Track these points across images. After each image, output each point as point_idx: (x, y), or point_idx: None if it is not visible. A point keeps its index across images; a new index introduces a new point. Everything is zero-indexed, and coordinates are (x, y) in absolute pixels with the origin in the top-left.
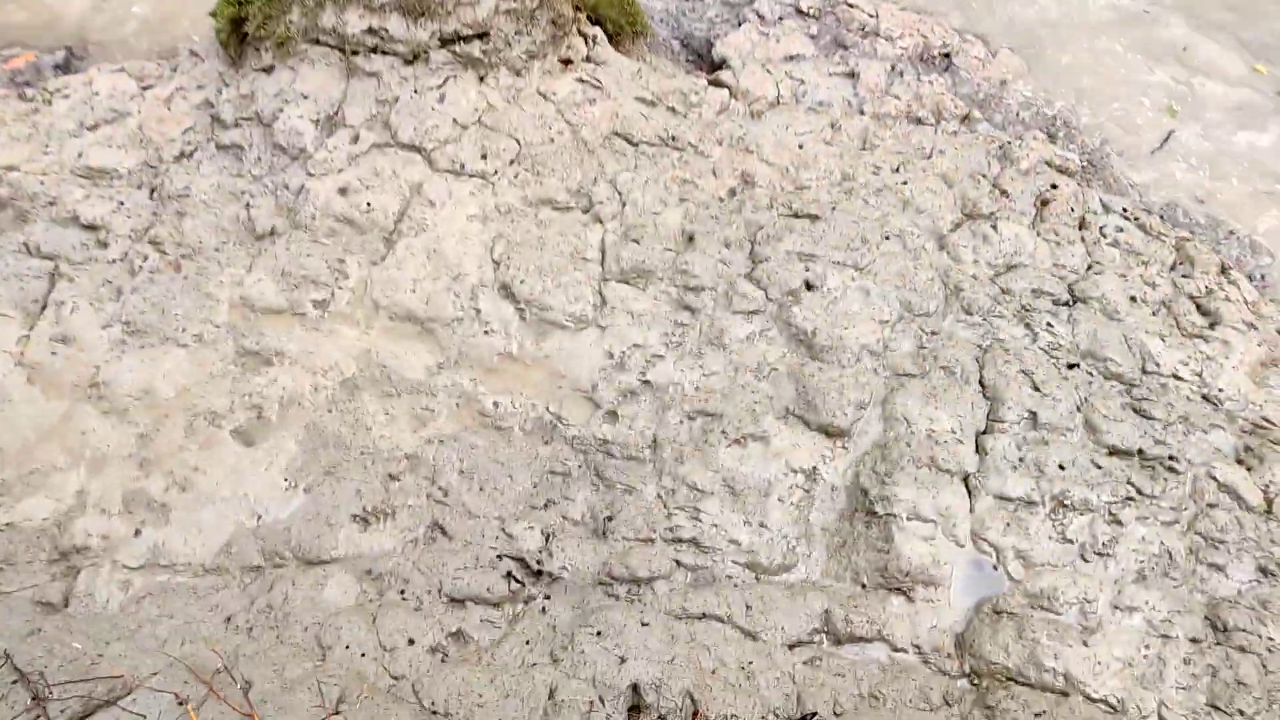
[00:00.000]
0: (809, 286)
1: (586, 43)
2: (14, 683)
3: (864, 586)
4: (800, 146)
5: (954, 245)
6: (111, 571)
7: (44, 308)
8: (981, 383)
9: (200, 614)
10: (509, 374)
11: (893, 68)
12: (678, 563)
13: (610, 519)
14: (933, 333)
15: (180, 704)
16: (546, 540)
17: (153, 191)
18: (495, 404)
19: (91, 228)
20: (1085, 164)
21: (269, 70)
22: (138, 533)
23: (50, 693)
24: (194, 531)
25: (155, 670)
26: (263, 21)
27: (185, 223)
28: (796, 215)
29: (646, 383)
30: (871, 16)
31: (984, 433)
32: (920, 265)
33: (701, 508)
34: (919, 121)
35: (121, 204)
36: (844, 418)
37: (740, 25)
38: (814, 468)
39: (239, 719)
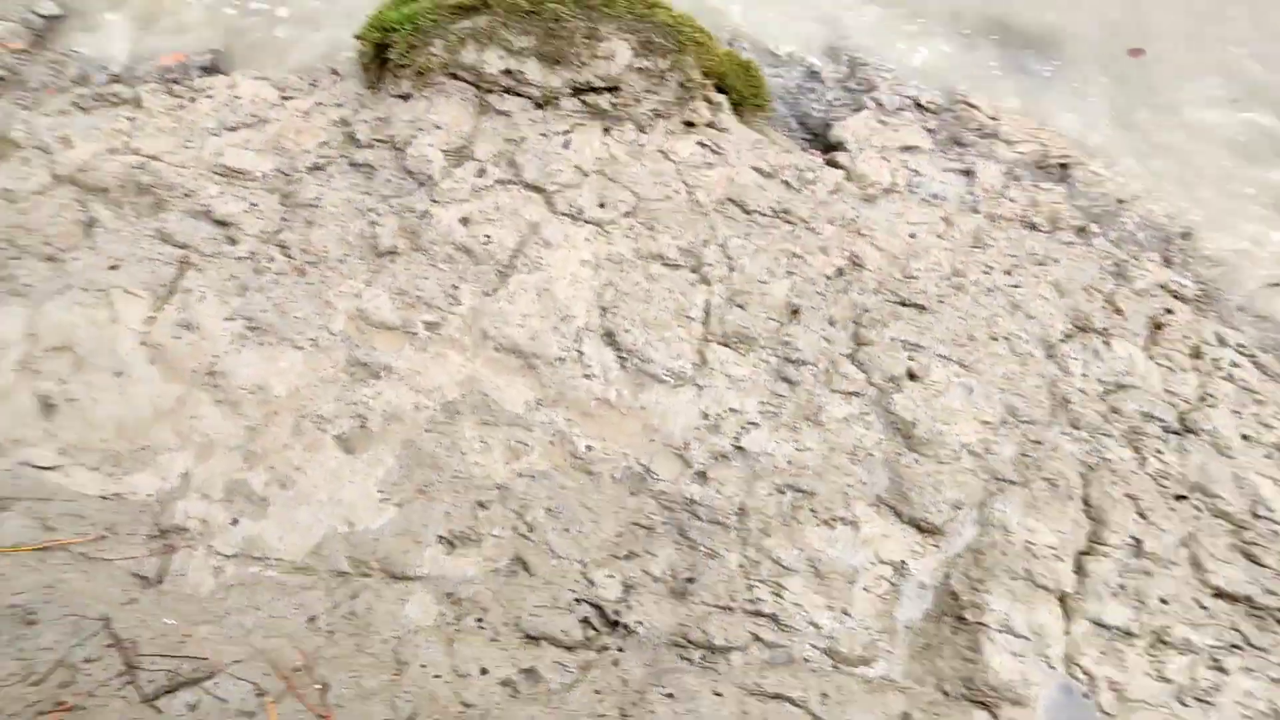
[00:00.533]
0: (912, 376)
1: (711, 109)
2: (109, 646)
3: (946, 694)
4: (912, 236)
5: (1063, 356)
6: (206, 556)
7: (171, 293)
8: (1086, 501)
9: (285, 610)
10: (604, 420)
11: (1009, 171)
12: (755, 636)
13: (691, 580)
14: (1037, 442)
15: (259, 695)
16: (626, 592)
17: (284, 197)
18: (588, 447)
19: (223, 224)
20: (1202, 292)
21: (406, 98)
22: (235, 522)
23: (141, 662)
24: (288, 529)
25: (239, 658)
26: (406, 50)
27: (313, 231)
28: (904, 303)
29: (739, 449)
30: (992, 119)
31: (1084, 553)
32: (1027, 371)
33: (784, 584)
34: (1033, 227)
35: (254, 205)
36: (939, 515)
37: (858, 111)
38: (903, 561)
39: (314, 719)
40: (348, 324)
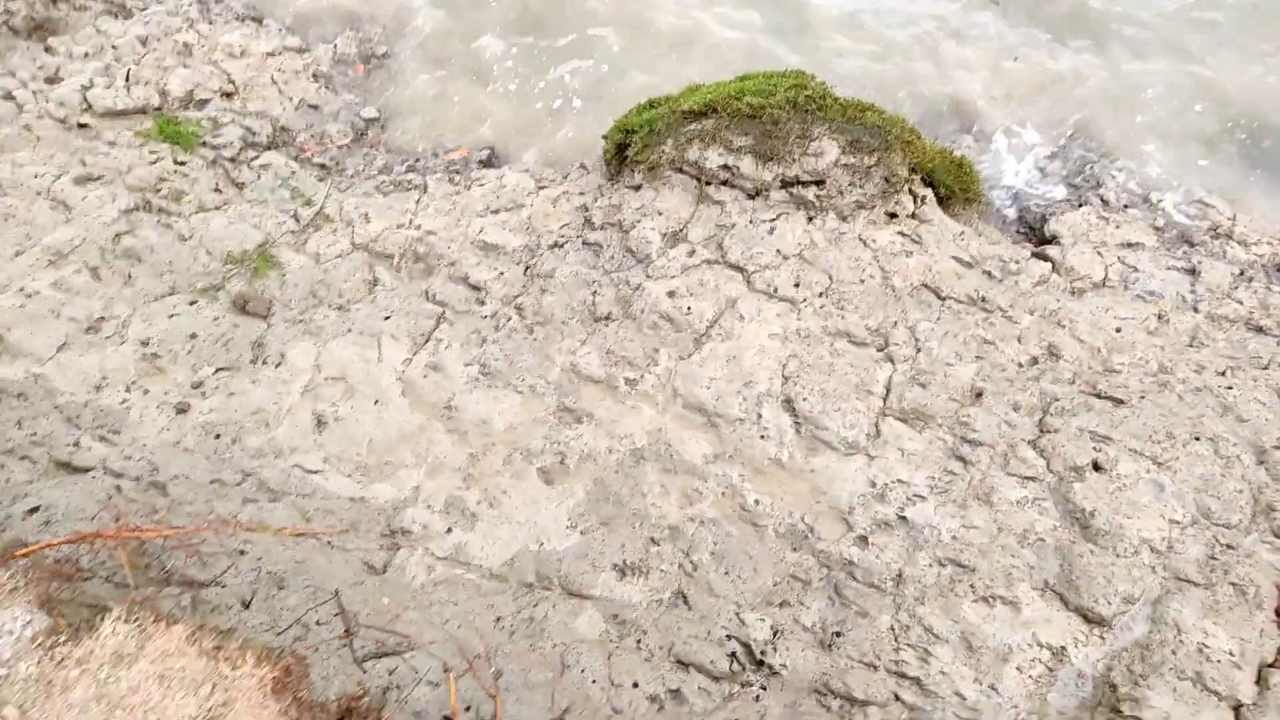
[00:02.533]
0: (1097, 467)
1: (915, 201)
2: (336, 614)
3: None
4: (1118, 330)
5: (1276, 464)
6: (423, 556)
7: (427, 341)
8: (1278, 613)
9: (478, 608)
10: (774, 478)
11: (1241, 272)
12: (896, 696)
13: (839, 634)
14: (1229, 546)
15: (445, 670)
16: (774, 635)
17: (526, 269)
18: (756, 501)
19: (475, 288)
20: None
21: (637, 188)
22: (449, 530)
23: (358, 630)
24: (490, 541)
25: (434, 640)
26: (642, 149)
27: (545, 297)
28: (1099, 395)
29: (903, 519)
30: (1228, 219)
31: (1270, 665)
32: (1230, 474)
33: (933, 651)
34: (1259, 330)
35: (501, 273)
36: (1108, 607)
37: (1080, 206)
38: (1063, 648)
39: (485, 698)
40: (561, 375)
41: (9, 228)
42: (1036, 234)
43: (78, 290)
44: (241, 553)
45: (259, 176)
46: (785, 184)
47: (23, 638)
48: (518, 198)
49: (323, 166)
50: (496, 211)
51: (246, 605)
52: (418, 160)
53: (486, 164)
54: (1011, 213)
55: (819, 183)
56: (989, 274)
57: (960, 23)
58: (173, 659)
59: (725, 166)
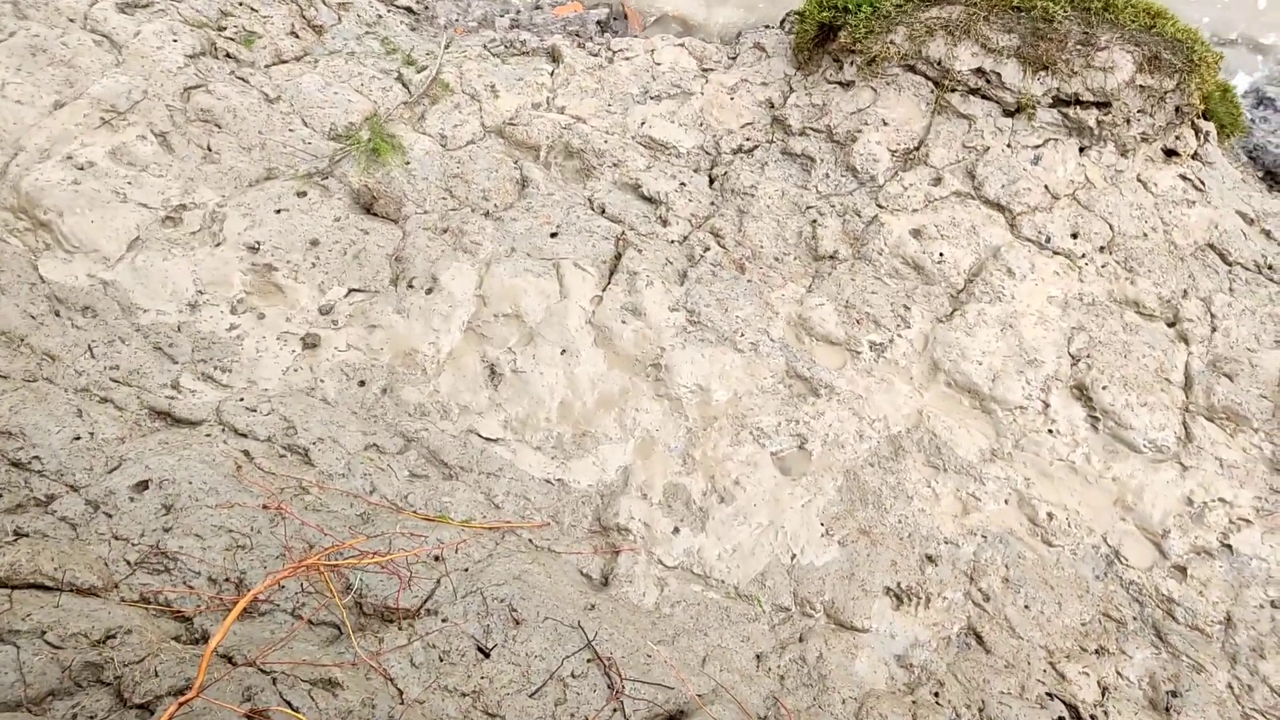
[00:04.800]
0: None
1: (1198, 137)
2: (589, 662)
3: None
4: None
5: None
6: (648, 564)
7: (614, 271)
8: None
9: (731, 642)
10: (1066, 485)
11: None
12: None
13: (1174, 695)
14: None
15: None
16: (1103, 695)
17: (712, 180)
18: (1049, 515)
19: (652, 201)
20: None
21: (846, 85)
22: (676, 530)
23: (621, 684)
24: (729, 548)
25: (700, 691)
26: (863, 35)
27: (747, 223)
28: None
29: (1227, 547)
30: None
31: None
32: None
33: None
34: None
35: (683, 185)
36: None
37: None
38: None
39: None
40: (787, 330)
41: (40, 66)
42: (1274, 179)
43: (145, 164)
44: (436, 558)
45: (339, 19)
46: (1058, 102)
47: None
48: (681, 81)
49: (409, 11)
50: (657, 98)
51: (486, 653)
52: (519, 12)
53: (604, 26)
54: (1242, 155)
55: (1103, 105)
56: (1268, 234)
57: None
58: None
59: (979, 71)
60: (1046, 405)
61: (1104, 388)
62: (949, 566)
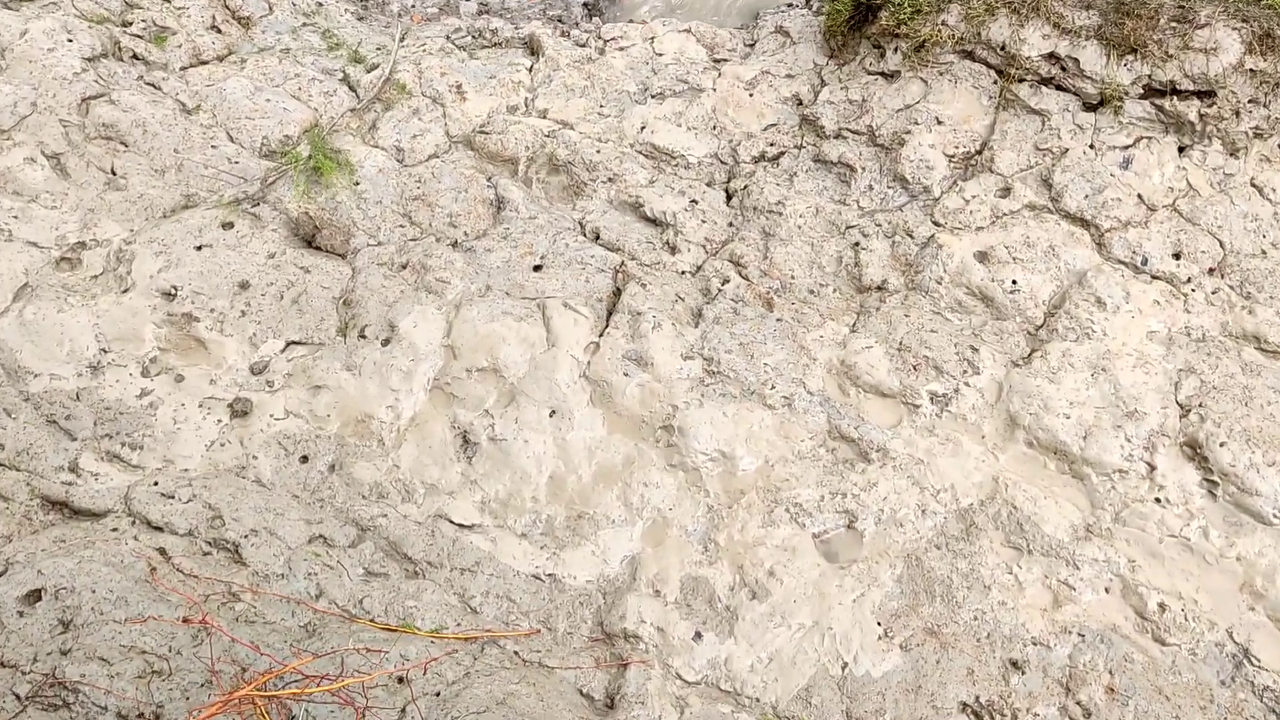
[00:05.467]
0: None
1: None
2: None
3: None
4: None
5: None
6: (664, 680)
7: (611, 311)
8: None
9: None
10: (1180, 568)
11: None
12: None
13: None
14: None
15: None
16: None
17: (729, 196)
18: (1160, 606)
19: (657, 223)
20: None
21: (890, 77)
22: (698, 635)
23: None
24: (764, 656)
25: None
26: (908, 17)
27: (774, 248)
28: None
29: None
30: None
31: None
32: None
33: None
34: None
35: (694, 203)
36: None
37: None
38: None
39: None
40: (828, 380)
41: None
42: None
43: (35, 193)
44: (400, 680)
45: (270, 9)
46: (1151, 92)
47: None
48: (688, 75)
49: None
50: (660, 96)
51: None
52: None
53: (591, 9)
54: None
55: (1206, 94)
56: None
57: None
58: None
59: (1052, 56)
60: (1152, 468)
61: (1221, 444)
62: (1039, 674)
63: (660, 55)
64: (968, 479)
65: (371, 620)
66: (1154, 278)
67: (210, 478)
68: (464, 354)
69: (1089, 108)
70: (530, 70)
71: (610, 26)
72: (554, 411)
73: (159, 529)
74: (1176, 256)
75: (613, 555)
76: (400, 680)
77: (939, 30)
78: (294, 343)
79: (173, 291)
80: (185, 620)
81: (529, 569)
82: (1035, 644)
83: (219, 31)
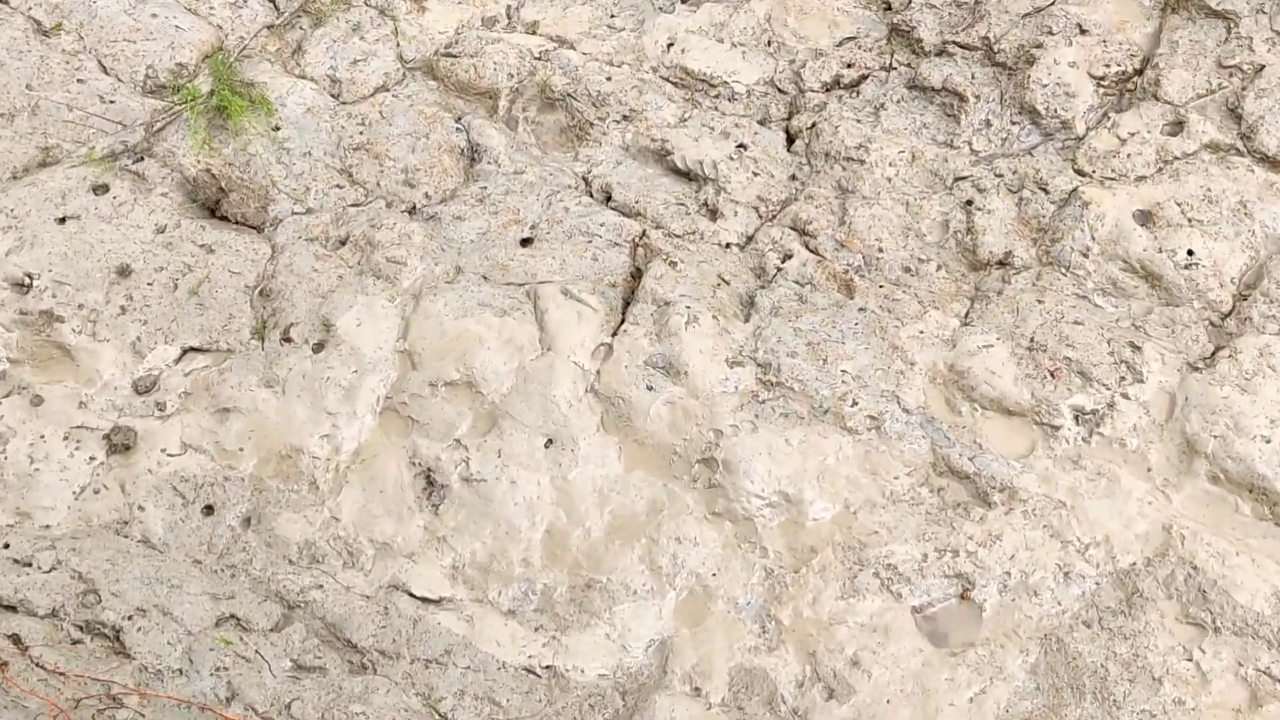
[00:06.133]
0: None
1: None
2: None
3: None
4: None
5: None
6: None
7: (628, 301)
8: None
9: None
10: None
11: None
12: None
13: None
14: None
15: None
16: None
17: (790, 139)
18: None
19: (690, 176)
20: None
21: None
22: None
23: None
24: None
25: None
26: None
27: (855, 209)
28: None
29: None
30: None
31: None
32: None
33: None
34: None
35: (741, 148)
36: None
37: None
38: None
39: None
40: (931, 393)
41: None
42: None
43: None
44: None
45: None
46: None
47: None
48: None
49: None
50: (693, 1)
51: None
52: None
53: None
54: None
55: None
56: None
57: None
58: None
59: None
60: None
61: None
62: None
63: None
64: (1129, 529)
65: None
66: None
67: (80, 537)
68: (426, 363)
69: None
70: None
71: None
72: (551, 441)
73: (10, 609)
74: None
75: (635, 639)
76: None
77: None
78: (193, 349)
79: (26, 281)
80: None
81: (519, 659)
82: None
83: None
